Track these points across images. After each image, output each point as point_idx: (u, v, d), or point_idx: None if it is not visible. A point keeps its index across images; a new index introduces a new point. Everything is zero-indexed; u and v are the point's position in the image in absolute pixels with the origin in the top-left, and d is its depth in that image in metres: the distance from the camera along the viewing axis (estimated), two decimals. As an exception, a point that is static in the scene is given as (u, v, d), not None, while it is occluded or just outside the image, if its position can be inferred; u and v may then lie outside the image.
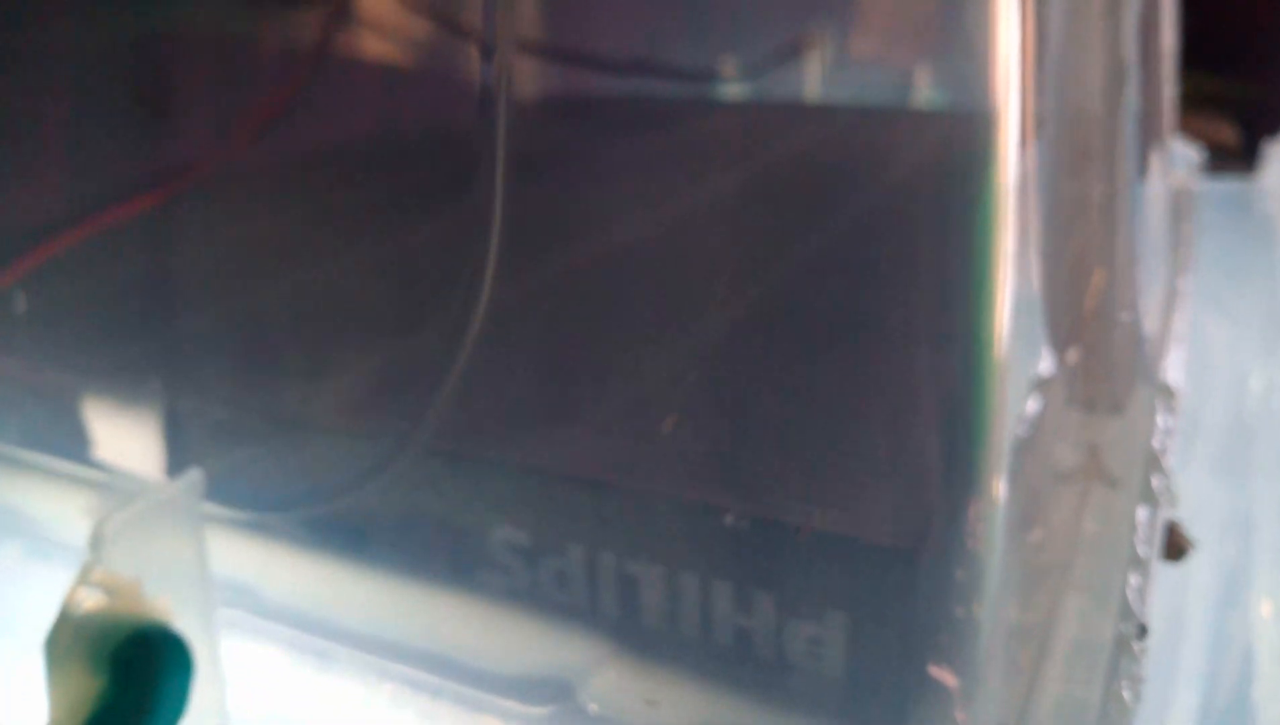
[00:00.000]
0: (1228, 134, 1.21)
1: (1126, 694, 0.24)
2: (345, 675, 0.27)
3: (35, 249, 0.29)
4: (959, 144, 0.23)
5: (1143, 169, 0.37)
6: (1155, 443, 0.37)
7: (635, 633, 0.25)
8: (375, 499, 0.26)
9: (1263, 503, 0.48)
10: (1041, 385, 0.33)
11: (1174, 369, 0.43)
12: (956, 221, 0.22)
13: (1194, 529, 0.36)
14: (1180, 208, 0.64)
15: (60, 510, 0.32)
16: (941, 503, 0.22)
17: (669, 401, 0.25)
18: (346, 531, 0.27)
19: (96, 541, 0.21)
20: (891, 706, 0.23)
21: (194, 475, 0.23)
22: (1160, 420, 0.37)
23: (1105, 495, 0.34)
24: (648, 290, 0.27)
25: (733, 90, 0.56)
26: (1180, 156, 0.75)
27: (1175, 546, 0.36)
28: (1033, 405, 0.32)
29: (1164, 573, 0.36)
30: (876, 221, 0.25)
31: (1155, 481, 0.35)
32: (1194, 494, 0.42)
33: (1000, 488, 0.22)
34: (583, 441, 0.26)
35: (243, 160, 0.32)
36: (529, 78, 0.28)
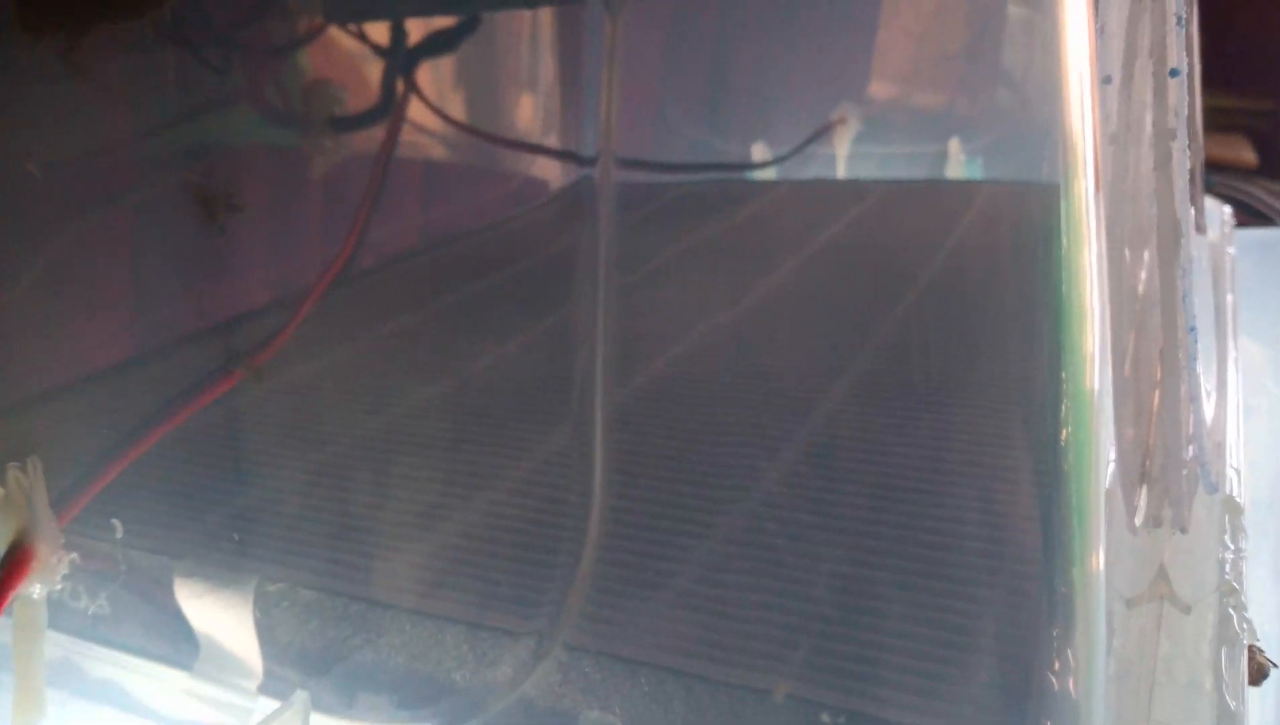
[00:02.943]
0: (1245, 152, 1.21)
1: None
2: None
3: (118, 457, 0.30)
4: (1037, 217, 0.23)
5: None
6: (1228, 569, 0.37)
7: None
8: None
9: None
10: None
11: (1233, 452, 0.43)
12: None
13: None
14: (1218, 269, 0.64)
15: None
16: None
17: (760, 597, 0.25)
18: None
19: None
20: None
21: (300, 695, 0.24)
22: (1229, 541, 0.37)
23: (1178, 619, 0.34)
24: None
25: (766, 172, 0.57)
26: (1213, 215, 0.75)
27: (1257, 669, 0.36)
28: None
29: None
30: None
31: (1234, 613, 0.35)
32: (1257, 595, 0.41)
33: (1098, 693, 0.22)
34: (674, 629, 0.26)
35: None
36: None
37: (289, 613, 0.30)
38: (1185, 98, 0.29)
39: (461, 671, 0.27)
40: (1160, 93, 0.29)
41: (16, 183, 0.32)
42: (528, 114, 0.63)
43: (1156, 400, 0.35)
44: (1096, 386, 0.23)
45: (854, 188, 0.60)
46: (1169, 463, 0.33)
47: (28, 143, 0.33)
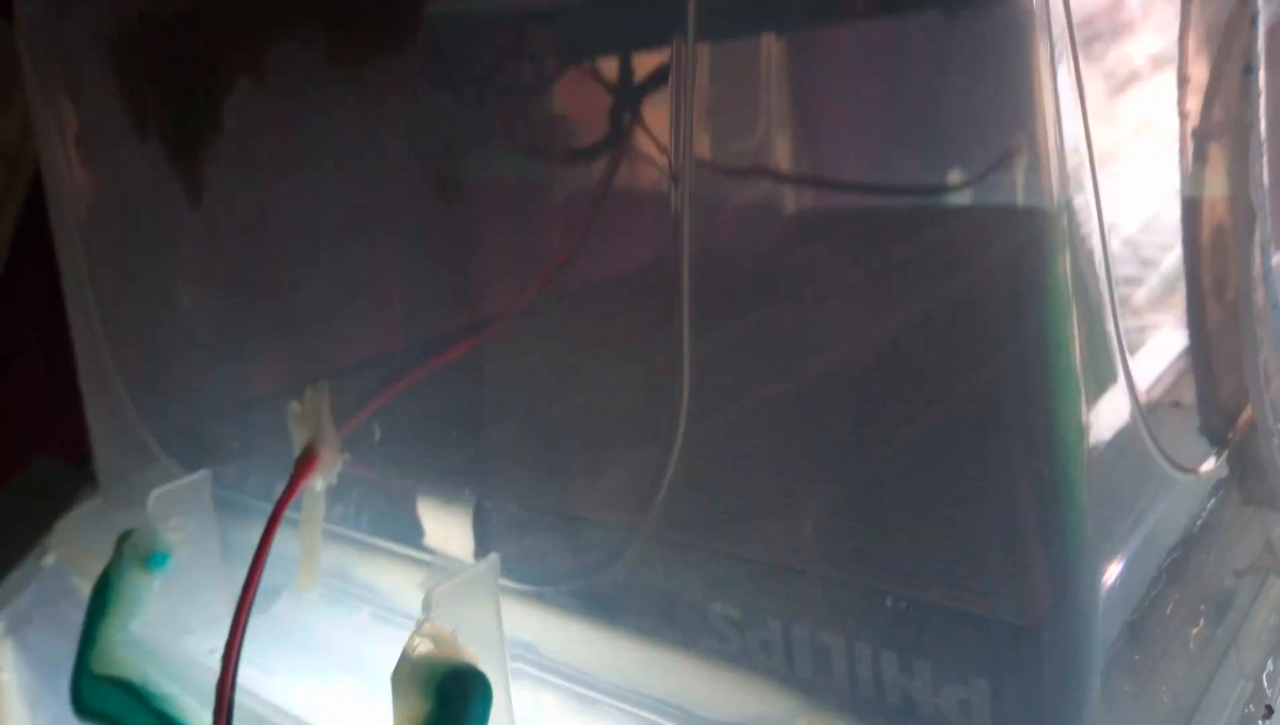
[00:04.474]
0: None
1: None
2: (603, 717, 0.35)
3: (384, 392, 0.39)
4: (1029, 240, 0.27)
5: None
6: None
7: (824, 691, 0.31)
8: (623, 578, 0.34)
9: None
10: (1215, 487, 0.36)
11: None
12: (1040, 314, 0.27)
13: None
14: None
15: (397, 584, 0.42)
16: (1061, 588, 0.27)
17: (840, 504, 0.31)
18: (603, 603, 0.35)
19: (426, 604, 0.30)
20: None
21: (493, 558, 0.32)
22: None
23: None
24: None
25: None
26: None
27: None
28: (1208, 506, 0.36)
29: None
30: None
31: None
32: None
33: (1101, 574, 0.27)
34: (779, 536, 0.33)
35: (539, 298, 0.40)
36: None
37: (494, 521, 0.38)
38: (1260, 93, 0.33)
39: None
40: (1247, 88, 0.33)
41: (312, 205, 0.43)
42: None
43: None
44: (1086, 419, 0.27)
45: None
46: (1263, 441, 0.36)
47: (321, 168, 0.43)
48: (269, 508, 0.35)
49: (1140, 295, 0.33)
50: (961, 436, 0.28)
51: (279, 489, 0.36)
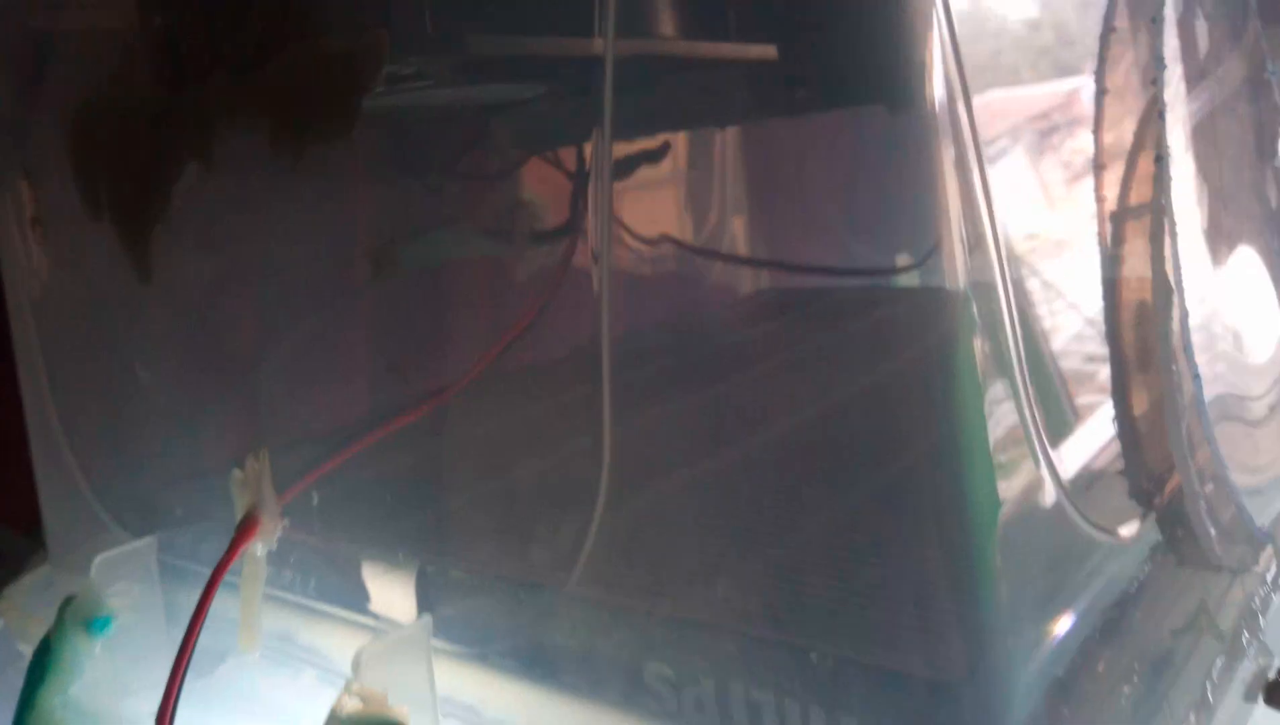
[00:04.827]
0: None
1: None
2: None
3: (324, 462, 0.41)
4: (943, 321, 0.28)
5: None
6: (1257, 601, 0.40)
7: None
8: (559, 639, 0.35)
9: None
10: (1153, 551, 0.38)
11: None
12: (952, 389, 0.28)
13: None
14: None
15: (340, 646, 0.43)
16: (978, 646, 0.29)
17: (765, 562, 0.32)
18: (540, 665, 0.36)
19: (356, 665, 0.31)
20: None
21: (425, 619, 0.34)
22: (1268, 576, 0.41)
23: (1214, 648, 0.38)
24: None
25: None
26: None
27: (1276, 693, 0.39)
28: (1146, 569, 0.37)
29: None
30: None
31: (1245, 636, 0.38)
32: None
33: (1019, 633, 0.28)
34: (706, 597, 0.34)
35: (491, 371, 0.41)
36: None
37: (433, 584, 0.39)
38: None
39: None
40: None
41: (256, 283, 0.44)
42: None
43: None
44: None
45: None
46: (1191, 505, 0.37)
47: (265, 249, 0.44)
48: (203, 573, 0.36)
49: (1070, 367, 0.35)
50: (883, 506, 0.30)
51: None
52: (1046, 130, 0.34)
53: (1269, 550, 0.42)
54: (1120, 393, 0.37)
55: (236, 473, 0.38)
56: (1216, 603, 0.39)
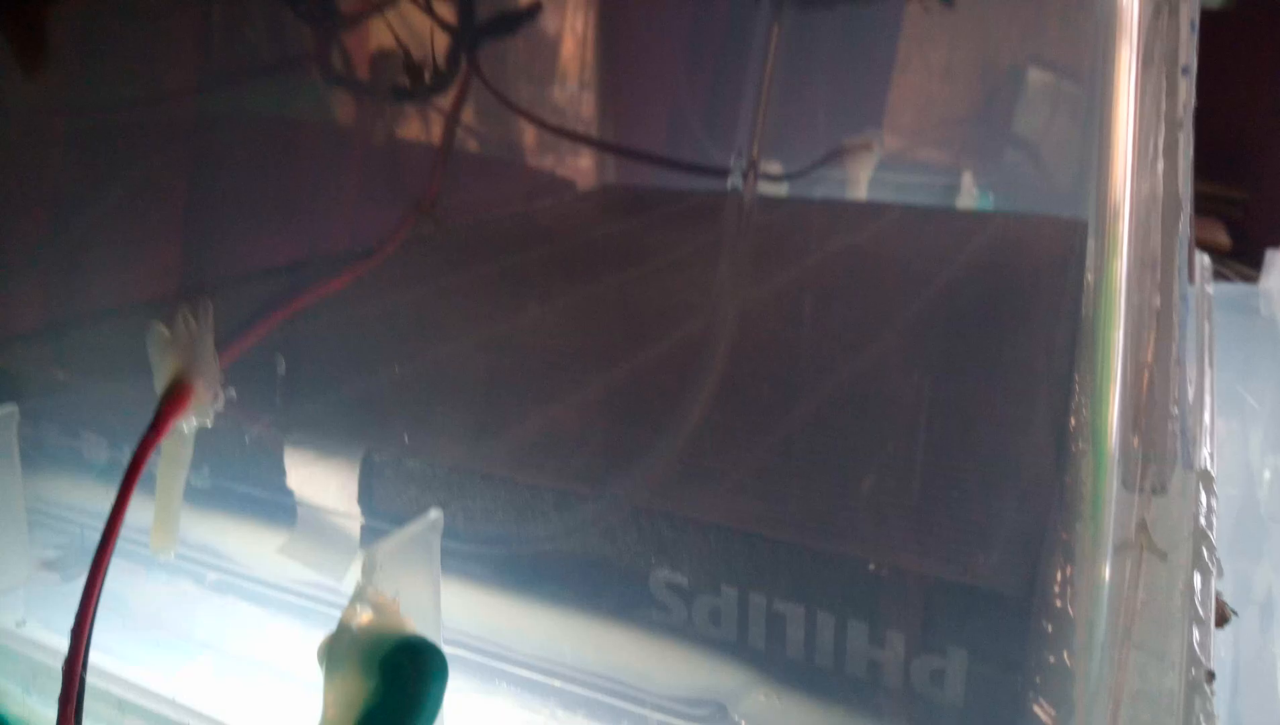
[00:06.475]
0: (1220, 235, 1.30)
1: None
2: (532, 691, 0.31)
3: (256, 326, 0.34)
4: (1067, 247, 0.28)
5: (1190, 276, 0.42)
6: (1202, 520, 0.41)
7: (775, 663, 0.29)
8: (568, 543, 0.31)
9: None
10: None
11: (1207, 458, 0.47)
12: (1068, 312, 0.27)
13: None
14: (1199, 309, 0.70)
15: (248, 544, 0.36)
16: (1050, 563, 0.27)
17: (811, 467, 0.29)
18: (544, 571, 0.32)
19: (368, 567, 0.26)
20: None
21: (434, 514, 0.28)
22: (1204, 501, 0.42)
23: (1155, 566, 0.39)
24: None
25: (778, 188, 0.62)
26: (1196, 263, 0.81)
27: (1221, 614, 0.41)
28: None
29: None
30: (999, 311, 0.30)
31: (1205, 553, 0.39)
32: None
33: (1105, 556, 0.27)
34: (736, 498, 0.31)
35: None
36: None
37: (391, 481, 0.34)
38: (1193, 95, 0.34)
39: (545, 527, 0.32)
40: (1173, 89, 0.34)
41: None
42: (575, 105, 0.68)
43: (1147, 379, 0.40)
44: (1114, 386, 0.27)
45: (874, 209, 0.65)
46: (1154, 429, 0.38)
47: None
48: (98, 454, 0.29)
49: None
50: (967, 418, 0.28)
51: (130, 434, 0.30)
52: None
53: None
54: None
55: (160, 329, 0.31)
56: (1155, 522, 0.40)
